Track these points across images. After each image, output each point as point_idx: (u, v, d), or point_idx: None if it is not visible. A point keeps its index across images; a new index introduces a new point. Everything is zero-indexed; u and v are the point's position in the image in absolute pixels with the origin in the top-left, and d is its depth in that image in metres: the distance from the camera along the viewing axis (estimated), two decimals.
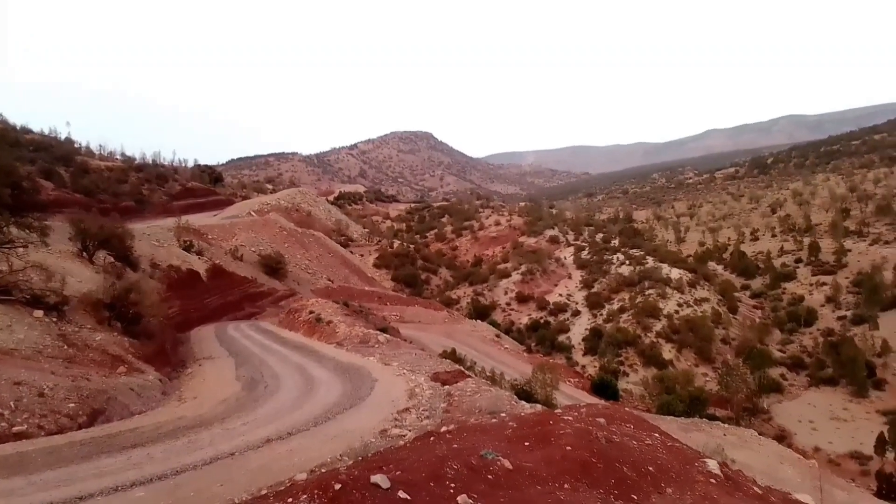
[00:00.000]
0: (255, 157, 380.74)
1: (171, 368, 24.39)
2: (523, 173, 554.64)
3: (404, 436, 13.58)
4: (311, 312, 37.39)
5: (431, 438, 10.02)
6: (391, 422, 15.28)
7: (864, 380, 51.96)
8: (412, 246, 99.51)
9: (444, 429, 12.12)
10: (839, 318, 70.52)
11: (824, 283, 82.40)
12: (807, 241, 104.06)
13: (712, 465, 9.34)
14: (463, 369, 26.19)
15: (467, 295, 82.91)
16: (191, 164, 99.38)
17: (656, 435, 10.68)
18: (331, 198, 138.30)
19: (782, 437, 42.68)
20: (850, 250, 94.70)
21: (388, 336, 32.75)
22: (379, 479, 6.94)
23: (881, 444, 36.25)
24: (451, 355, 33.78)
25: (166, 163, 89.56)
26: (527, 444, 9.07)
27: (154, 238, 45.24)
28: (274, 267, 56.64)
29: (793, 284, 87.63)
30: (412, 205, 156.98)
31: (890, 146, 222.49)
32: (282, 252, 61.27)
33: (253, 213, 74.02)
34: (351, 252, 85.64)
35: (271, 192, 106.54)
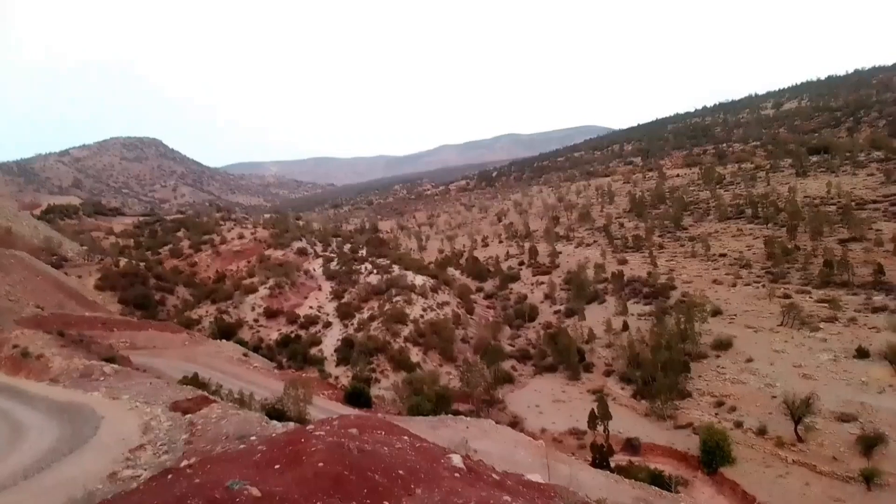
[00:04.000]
0: None
1: None
2: (266, 184, 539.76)
3: (138, 476, 12.20)
4: (14, 346, 31.63)
5: (170, 476, 9.06)
6: (122, 463, 13.60)
7: (576, 365, 60.12)
8: (143, 264, 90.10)
9: (184, 463, 11.08)
10: (555, 312, 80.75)
11: (542, 283, 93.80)
12: (527, 245, 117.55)
13: (456, 459, 9.90)
14: (207, 394, 24.44)
15: (210, 314, 77.60)
16: None
17: (406, 438, 10.98)
18: (37, 211, 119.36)
19: (516, 423, 47.29)
20: (561, 252, 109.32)
21: (116, 366, 29.15)
22: None
23: (592, 420, 42.13)
24: (193, 380, 31.26)
25: None
26: (277, 466, 8.65)
27: None
28: None
29: (518, 284, 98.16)
30: (141, 218, 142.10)
31: (587, 163, 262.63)
32: None
33: None
34: (66, 273, 74.43)
35: None
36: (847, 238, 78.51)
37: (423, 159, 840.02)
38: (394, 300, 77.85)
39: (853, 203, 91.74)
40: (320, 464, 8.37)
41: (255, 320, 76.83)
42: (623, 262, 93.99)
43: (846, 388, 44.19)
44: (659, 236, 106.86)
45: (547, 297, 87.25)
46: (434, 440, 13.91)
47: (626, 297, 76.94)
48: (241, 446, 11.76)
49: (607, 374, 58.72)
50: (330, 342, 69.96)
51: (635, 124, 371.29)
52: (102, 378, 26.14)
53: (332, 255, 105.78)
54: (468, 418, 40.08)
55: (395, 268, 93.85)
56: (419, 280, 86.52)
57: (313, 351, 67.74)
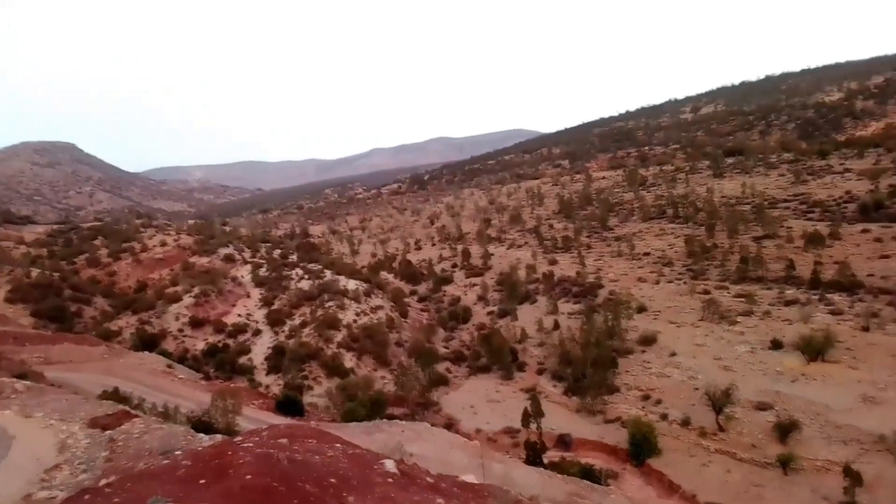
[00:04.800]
0: None
1: None
2: (191, 189, 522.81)
3: (54, 498, 11.60)
4: None
5: (87, 496, 8.59)
6: (37, 484, 12.88)
7: (509, 364, 60.92)
8: (57, 274, 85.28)
9: (104, 481, 10.56)
10: (489, 313, 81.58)
11: (475, 284, 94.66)
12: (460, 248, 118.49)
13: (389, 464, 9.83)
14: (128, 409, 23.40)
15: (131, 325, 74.17)
16: None
17: (338, 445, 10.82)
18: None
19: (451, 425, 47.45)
20: (493, 254, 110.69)
21: (28, 383, 27.44)
22: None
23: (526, 418, 42.81)
24: (114, 395, 29.87)
25: None
26: (203, 481, 8.34)
27: None
28: None
29: (451, 287, 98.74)
30: (55, 226, 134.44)
31: (517, 165, 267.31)
32: None
33: None
34: None
35: None
36: (761, 235, 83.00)
37: (355, 163, 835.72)
38: (326, 305, 76.74)
39: (766, 202, 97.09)
40: (248, 476, 8.13)
41: (180, 330, 74.05)
42: (553, 262, 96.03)
43: (763, 378, 46.67)
44: (587, 237, 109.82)
45: (480, 298, 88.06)
46: (368, 446, 13.80)
47: (557, 296, 78.63)
48: (165, 461, 11.31)
49: (540, 372, 59.78)
50: (260, 350, 68.24)
51: (563, 128, 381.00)
52: (14, 396, 24.54)
53: (261, 261, 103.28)
54: (403, 422, 39.92)
55: (327, 273, 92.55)
56: (352, 284, 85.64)
57: (242, 360, 65.90)
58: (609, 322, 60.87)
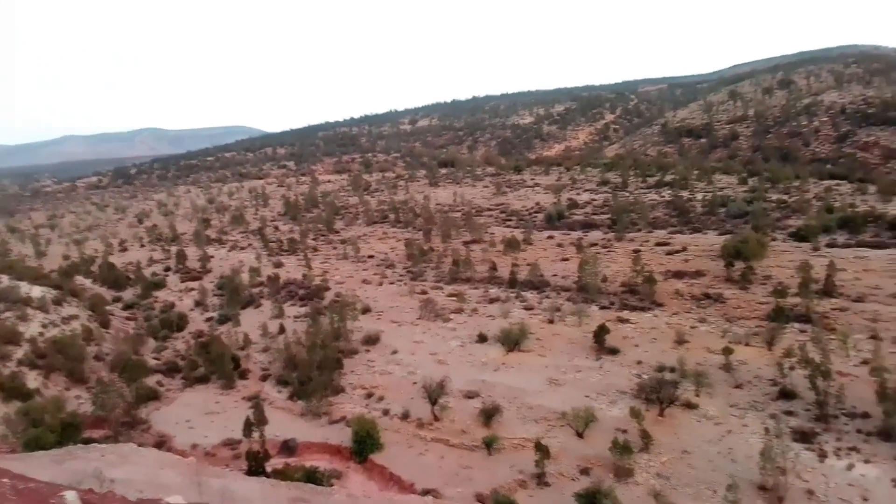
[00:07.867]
0: None
1: None
2: None
3: None
4: None
5: None
6: None
7: (231, 373, 57.65)
8: None
9: None
10: (207, 320, 76.37)
11: (192, 289, 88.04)
12: (174, 249, 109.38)
13: (70, 496, 8.46)
14: None
15: None
16: None
17: (6, 480, 8.96)
18: None
19: (162, 443, 43.42)
20: (213, 256, 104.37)
21: None
22: None
23: (248, 427, 40.90)
24: None
25: None
26: None
27: None
28: None
29: (164, 292, 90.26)
30: None
31: (239, 164, 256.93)
32: None
33: None
34: None
35: None
36: (470, 240, 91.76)
37: (42, 150, 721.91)
38: (2, 317, 64.48)
39: (473, 210, 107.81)
40: None
41: None
42: (279, 264, 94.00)
43: (471, 368, 51.40)
44: (313, 239, 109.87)
45: (198, 303, 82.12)
46: (56, 477, 11.75)
47: (283, 299, 77.00)
48: None
49: (264, 378, 57.77)
50: None
51: (287, 129, 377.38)
52: None
53: None
54: (104, 445, 35.71)
55: (4, 278, 77.94)
56: (37, 291, 73.26)
57: None
58: (335, 324, 61.48)
